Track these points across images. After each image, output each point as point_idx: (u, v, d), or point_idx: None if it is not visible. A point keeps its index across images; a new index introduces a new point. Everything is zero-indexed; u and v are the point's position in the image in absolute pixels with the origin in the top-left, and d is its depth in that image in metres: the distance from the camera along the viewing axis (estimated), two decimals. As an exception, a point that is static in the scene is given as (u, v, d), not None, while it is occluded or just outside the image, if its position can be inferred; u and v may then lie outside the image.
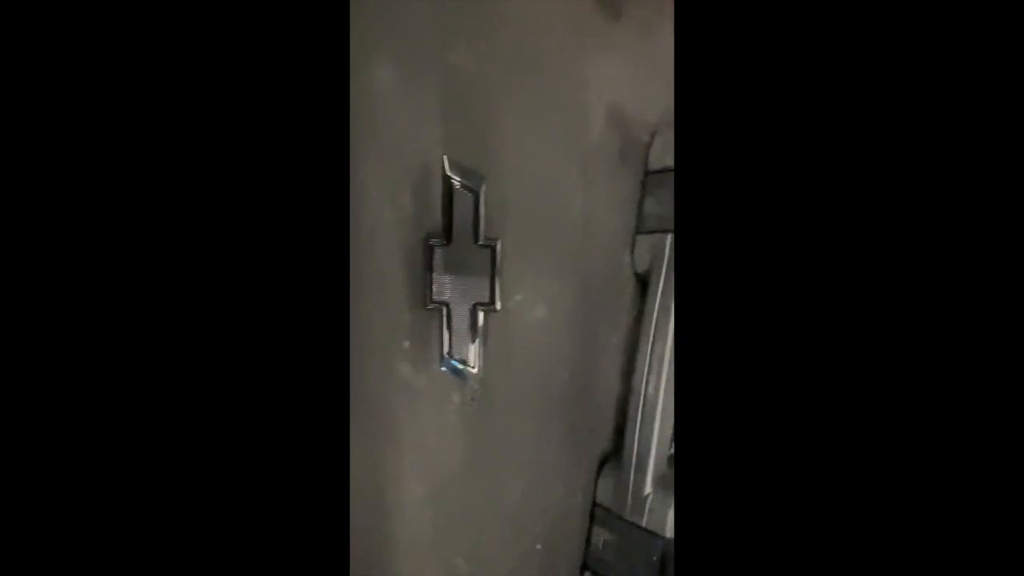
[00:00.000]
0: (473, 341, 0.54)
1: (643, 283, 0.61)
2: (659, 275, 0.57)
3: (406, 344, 0.56)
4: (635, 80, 0.59)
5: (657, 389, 0.57)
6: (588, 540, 0.64)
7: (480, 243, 0.53)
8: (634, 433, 0.61)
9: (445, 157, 0.52)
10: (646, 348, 0.59)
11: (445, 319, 0.54)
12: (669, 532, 0.56)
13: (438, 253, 0.53)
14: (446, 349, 0.54)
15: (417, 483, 0.59)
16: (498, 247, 0.53)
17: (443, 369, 0.55)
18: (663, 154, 0.59)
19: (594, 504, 0.64)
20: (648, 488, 0.58)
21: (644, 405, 0.59)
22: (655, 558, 0.57)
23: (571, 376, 0.61)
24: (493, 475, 0.60)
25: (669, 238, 0.57)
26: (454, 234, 0.53)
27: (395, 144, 0.53)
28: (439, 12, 0.53)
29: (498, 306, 0.54)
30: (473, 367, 0.55)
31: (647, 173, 0.60)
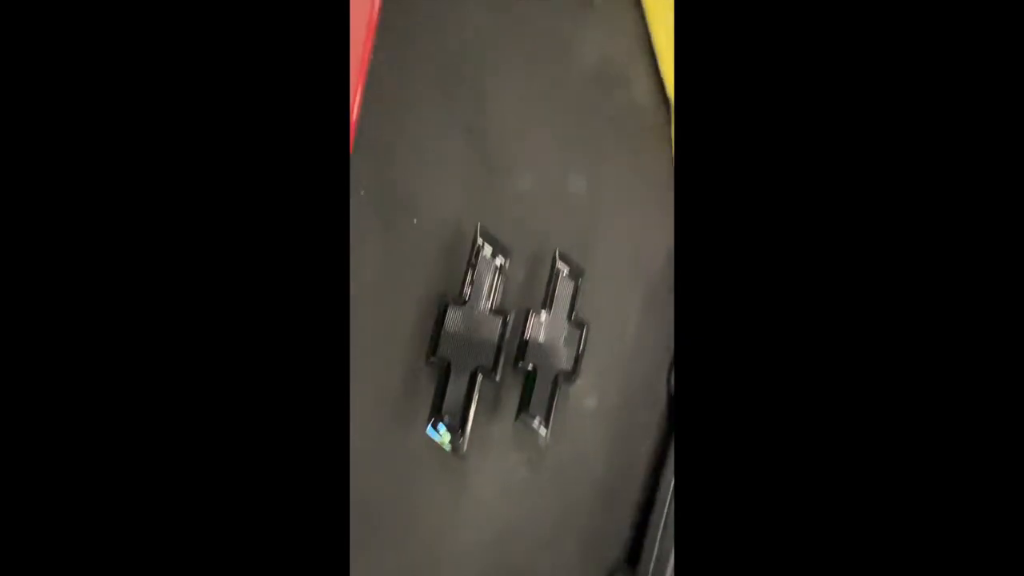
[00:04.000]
0: (551, 403, 0.61)
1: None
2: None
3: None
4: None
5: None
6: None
7: (572, 321, 0.63)
8: (653, 545, 0.67)
9: (557, 249, 0.64)
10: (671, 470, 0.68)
11: (532, 378, 0.61)
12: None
13: (533, 321, 0.62)
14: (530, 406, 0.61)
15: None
16: (585, 328, 0.63)
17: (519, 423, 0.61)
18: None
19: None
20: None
21: (666, 519, 0.66)
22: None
23: (604, 469, 0.68)
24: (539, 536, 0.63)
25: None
26: (553, 309, 0.63)
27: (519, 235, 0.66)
28: (562, 146, 0.69)
29: (579, 378, 0.62)
30: (545, 430, 0.61)
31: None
